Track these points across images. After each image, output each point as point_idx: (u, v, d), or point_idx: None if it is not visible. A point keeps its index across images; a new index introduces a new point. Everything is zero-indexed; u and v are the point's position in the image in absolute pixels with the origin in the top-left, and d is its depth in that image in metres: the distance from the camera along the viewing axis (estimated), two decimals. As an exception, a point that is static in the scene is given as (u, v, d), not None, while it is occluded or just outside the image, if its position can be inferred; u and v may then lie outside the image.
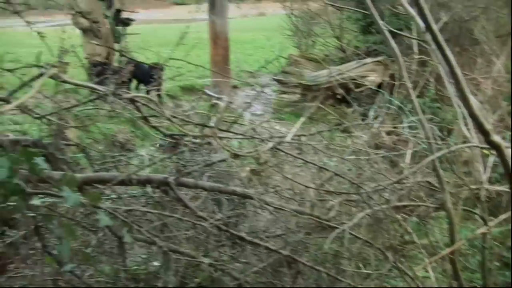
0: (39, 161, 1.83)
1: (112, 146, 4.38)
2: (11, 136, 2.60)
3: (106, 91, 2.30)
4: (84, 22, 7.74)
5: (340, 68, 8.94)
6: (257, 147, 2.86)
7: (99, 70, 8.02)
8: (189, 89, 10.06)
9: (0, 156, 1.84)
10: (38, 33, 3.08)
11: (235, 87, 10.52)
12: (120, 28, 8.64)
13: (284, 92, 9.45)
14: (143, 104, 2.51)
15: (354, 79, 8.11)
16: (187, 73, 11.97)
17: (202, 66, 3.01)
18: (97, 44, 8.03)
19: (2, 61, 2.80)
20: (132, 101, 2.43)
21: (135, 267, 2.99)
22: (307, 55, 10.94)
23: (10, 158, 1.79)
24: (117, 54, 8.65)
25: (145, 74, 8.37)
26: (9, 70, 2.49)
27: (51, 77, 2.08)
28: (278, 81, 9.69)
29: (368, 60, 8.79)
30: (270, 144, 2.50)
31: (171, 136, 2.62)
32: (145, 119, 2.53)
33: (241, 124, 2.89)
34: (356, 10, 8.11)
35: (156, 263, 2.96)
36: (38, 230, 2.42)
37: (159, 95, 8.80)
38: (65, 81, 2.25)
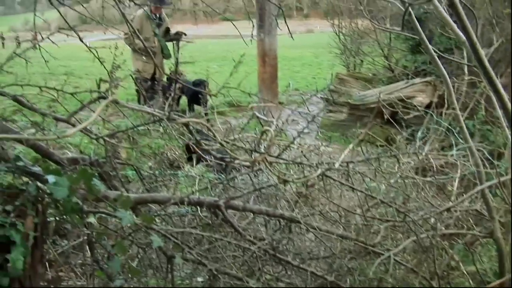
0: (97, 181, 1.92)
1: (161, 163, 4.51)
2: (70, 154, 2.72)
3: (161, 115, 2.38)
4: (139, 43, 7.98)
5: (388, 88, 8.87)
6: (305, 171, 2.89)
7: (148, 86, 8.27)
8: (236, 105, 10.15)
9: (59, 175, 1.94)
10: (90, 48, 3.21)
11: (282, 104, 10.58)
12: (172, 43, 8.82)
13: (331, 111, 9.42)
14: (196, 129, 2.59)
15: (402, 100, 8.01)
16: (235, 89, 12.18)
17: (250, 93, 3.04)
18: (146, 62, 8.28)
19: (56, 73, 2.95)
20: (186, 125, 2.51)
21: (179, 282, 3.06)
22: (355, 74, 10.92)
23: (70, 178, 1.89)
24: (166, 70, 8.87)
25: (189, 90, 8.59)
26: (71, 94, 2.62)
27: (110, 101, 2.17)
28: (326, 99, 9.67)
29: (417, 80, 8.67)
30: (319, 171, 2.53)
31: (221, 159, 2.68)
32: (197, 142, 2.60)
33: (290, 145, 2.91)
34: (404, 34, 8.05)
35: (200, 279, 3.01)
36: (91, 245, 2.53)
37: (205, 113, 9.01)
38: (124, 106, 2.35)
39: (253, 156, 2.60)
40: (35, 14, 2.86)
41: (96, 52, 3.04)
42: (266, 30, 9.15)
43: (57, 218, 2.24)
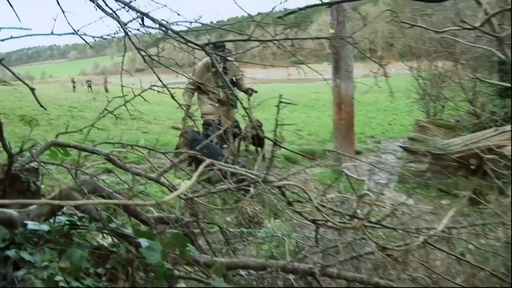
0: (190, 246, 1.95)
1: (239, 218, 4.54)
2: (155, 213, 2.79)
3: (257, 178, 2.41)
4: (188, 101, 8.25)
5: (475, 136, 8.59)
6: (396, 232, 2.82)
7: (212, 129, 8.45)
8: (309, 154, 10.11)
9: (151, 238, 1.99)
10: (177, 101, 3.30)
11: (358, 152, 10.48)
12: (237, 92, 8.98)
13: (411, 161, 9.18)
14: (289, 190, 2.59)
15: (491, 149, 7.72)
16: (307, 137, 12.23)
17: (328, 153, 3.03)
18: (211, 104, 8.52)
19: (124, 118, 3.06)
20: (279, 187, 2.51)
21: None
22: (436, 120, 10.67)
23: (163, 242, 1.93)
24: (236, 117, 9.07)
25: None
26: (163, 153, 2.71)
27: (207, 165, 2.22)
28: (405, 148, 9.47)
29: (508, 127, 8.34)
30: (421, 238, 2.46)
31: (313, 221, 2.66)
32: (289, 204, 2.60)
33: (393, 212, 2.85)
34: (497, 84, 7.83)
35: None
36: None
37: (261, 150, 9.12)
38: (219, 168, 2.39)
39: (346, 219, 2.58)
40: (123, 69, 3.00)
41: (174, 98, 3.14)
42: (342, 75, 9.09)
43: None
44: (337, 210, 2.64)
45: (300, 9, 2.21)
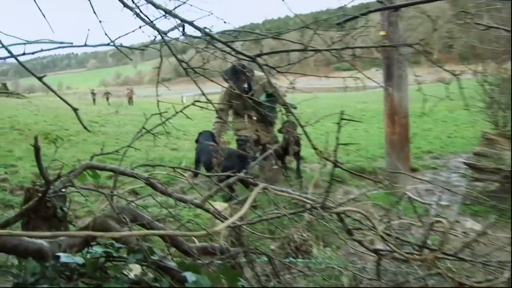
0: (243, 281, 1.96)
1: (287, 246, 4.54)
2: (197, 243, 2.81)
3: (314, 203, 2.41)
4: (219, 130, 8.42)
5: (555, 149, 8.39)
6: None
7: (248, 146, 8.52)
8: (359, 171, 9.98)
9: (197, 272, 2.01)
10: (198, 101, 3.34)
11: (414, 170, 10.34)
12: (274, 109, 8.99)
13: (477, 179, 8.98)
14: (349, 217, 2.59)
15: None
16: (356, 152, 12.08)
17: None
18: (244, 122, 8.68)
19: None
20: (338, 213, 2.50)
21: None
22: (507, 132, 10.43)
23: (211, 276, 1.95)
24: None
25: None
26: (207, 176, 2.75)
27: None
28: (470, 165, 9.28)
29: None
30: (506, 274, 2.41)
31: (375, 251, 2.65)
32: (348, 232, 2.59)
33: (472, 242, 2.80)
34: None
35: None
36: None
37: (298, 170, 9.15)
38: (274, 193, 2.41)
39: (414, 249, 2.56)
40: (158, 81, 3.05)
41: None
42: (395, 83, 8.90)
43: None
44: (404, 240, 2.61)
45: (362, 14, 2.22)
